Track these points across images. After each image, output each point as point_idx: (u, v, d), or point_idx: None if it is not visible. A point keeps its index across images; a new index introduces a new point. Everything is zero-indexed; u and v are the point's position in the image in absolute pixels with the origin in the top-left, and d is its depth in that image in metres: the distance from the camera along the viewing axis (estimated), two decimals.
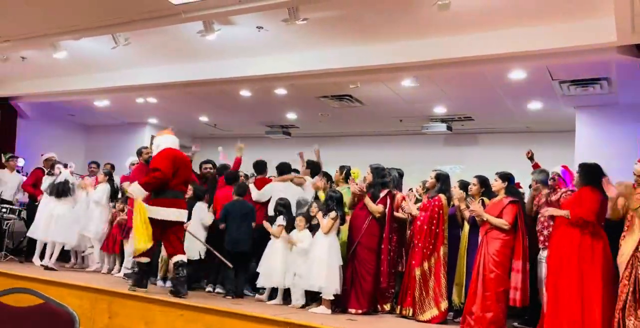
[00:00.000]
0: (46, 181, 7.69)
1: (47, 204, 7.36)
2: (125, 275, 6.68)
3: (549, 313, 4.46)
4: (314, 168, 6.77)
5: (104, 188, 7.37)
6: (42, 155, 8.59)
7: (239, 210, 6.06)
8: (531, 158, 5.89)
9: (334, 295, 5.16)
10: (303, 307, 5.37)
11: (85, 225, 7.27)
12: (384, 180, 5.63)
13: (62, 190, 7.32)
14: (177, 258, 5.43)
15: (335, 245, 5.33)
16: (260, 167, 6.81)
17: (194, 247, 6.13)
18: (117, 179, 7.73)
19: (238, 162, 6.97)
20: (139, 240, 5.25)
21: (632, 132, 7.29)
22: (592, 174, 4.53)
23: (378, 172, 5.65)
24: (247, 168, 7.17)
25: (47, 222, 7.09)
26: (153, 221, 5.30)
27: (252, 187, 6.52)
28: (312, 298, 5.43)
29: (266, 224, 5.79)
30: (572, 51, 5.41)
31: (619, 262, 4.21)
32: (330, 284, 5.12)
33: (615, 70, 6.24)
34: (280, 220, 5.75)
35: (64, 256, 7.60)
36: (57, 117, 10.89)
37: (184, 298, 5.18)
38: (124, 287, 5.53)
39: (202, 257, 6.20)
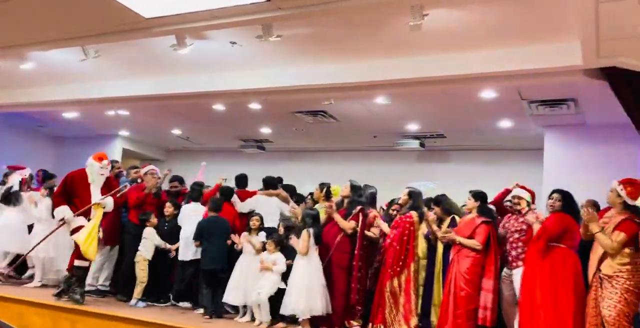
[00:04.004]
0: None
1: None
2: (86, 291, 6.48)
3: None
4: (286, 189, 6.76)
5: (47, 204, 6.78)
6: (7, 167, 8.35)
7: (214, 227, 5.93)
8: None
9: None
10: (271, 325, 5.28)
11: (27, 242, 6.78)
12: (360, 199, 5.62)
13: (6, 197, 7.15)
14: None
15: (314, 265, 5.22)
16: (241, 181, 6.95)
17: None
18: None
19: (217, 189, 6.86)
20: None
21: (598, 152, 7.47)
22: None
23: (356, 189, 5.65)
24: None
25: None
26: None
27: (235, 198, 6.50)
28: (281, 316, 5.34)
29: (245, 236, 5.68)
30: (541, 73, 5.51)
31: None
32: (311, 307, 5.02)
33: (581, 91, 6.38)
34: (263, 236, 5.68)
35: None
36: (26, 128, 10.66)
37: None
38: (88, 305, 5.39)
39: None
